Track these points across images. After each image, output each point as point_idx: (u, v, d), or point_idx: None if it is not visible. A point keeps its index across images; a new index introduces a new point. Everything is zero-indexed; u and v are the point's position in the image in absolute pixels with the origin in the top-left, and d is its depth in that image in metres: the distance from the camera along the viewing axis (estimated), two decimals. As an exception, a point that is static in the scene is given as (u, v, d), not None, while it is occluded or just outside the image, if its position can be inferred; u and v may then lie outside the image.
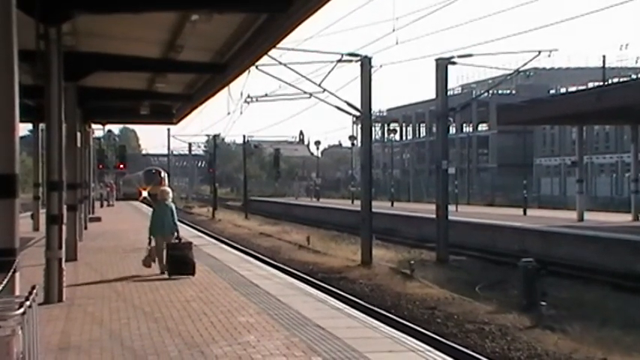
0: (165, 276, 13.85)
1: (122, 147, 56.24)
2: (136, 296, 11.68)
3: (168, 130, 75.89)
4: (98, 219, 31.69)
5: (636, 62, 69.81)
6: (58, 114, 11.28)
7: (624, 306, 15.78)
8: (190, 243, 14.58)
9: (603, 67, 53.86)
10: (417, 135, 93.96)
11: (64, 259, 11.38)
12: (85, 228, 24.84)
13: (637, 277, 19.70)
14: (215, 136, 63.70)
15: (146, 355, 7.68)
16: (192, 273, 13.87)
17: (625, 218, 31.73)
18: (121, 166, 51.88)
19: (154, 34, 14.31)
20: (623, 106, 26.92)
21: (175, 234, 14.31)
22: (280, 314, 9.88)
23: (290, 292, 12.07)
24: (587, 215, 31.76)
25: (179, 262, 13.89)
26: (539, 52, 25.45)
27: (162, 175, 61.25)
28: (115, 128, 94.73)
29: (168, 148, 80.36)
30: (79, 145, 19.79)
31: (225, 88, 21.77)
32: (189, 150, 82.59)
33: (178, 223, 14.86)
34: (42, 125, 26.57)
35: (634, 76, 47.28)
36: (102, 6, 11.66)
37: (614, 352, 11.50)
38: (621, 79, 47.89)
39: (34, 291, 5.67)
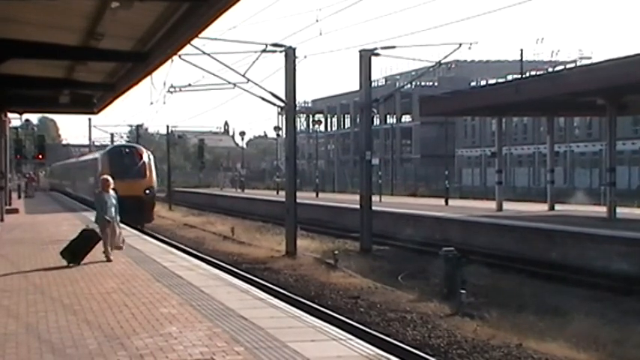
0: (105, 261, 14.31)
1: (41, 137, 54.68)
2: (54, 288, 11.42)
3: (90, 119, 74.23)
4: (15, 210, 30.80)
5: (551, 56, 72.01)
6: (-29, 102, 10.88)
7: (539, 292, 16.32)
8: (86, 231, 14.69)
9: (521, 60, 55.33)
10: (342, 126, 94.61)
11: (-23, 252, 11.03)
12: (2, 220, 24.12)
13: (551, 264, 20.39)
14: (138, 126, 62.73)
15: (64, 348, 7.53)
16: (77, 262, 14.11)
17: (541, 208, 32.73)
18: (40, 156, 50.49)
19: (72, 22, 13.94)
20: (539, 98, 27.71)
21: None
22: (203, 305, 9.83)
23: (213, 283, 12.01)
24: (506, 205, 32.63)
25: (74, 250, 14.19)
26: (460, 44, 25.98)
27: (146, 157, 33.93)
28: (34, 118, 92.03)
29: (90, 139, 78.57)
30: (-6, 134, 19.15)
31: (148, 78, 21.40)
32: (112, 140, 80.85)
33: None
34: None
35: (550, 69, 48.76)
36: (16, -9, 11.30)
37: (529, 338, 11.88)
38: (538, 72, 49.31)
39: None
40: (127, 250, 16.43)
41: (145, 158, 33.86)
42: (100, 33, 14.18)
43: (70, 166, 54.53)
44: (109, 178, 15.41)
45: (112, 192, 15.03)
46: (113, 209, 14.82)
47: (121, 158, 33.55)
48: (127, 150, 34.93)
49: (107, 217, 14.66)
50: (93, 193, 30.20)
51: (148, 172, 33.24)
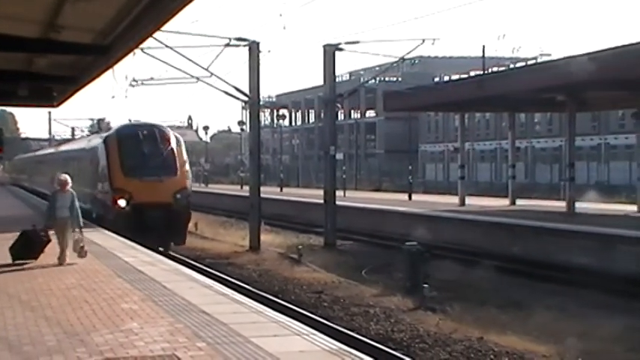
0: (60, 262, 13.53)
1: (-1, 130, 53.70)
2: (11, 285, 11.21)
3: (49, 113, 73.32)
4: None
5: (512, 52, 72.68)
6: None
7: (501, 286, 16.51)
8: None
9: (483, 56, 55.72)
10: (306, 121, 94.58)
11: None
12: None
13: (513, 258, 20.60)
14: (100, 120, 61.97)
15: (21, 346, 7.38)
16: (35, 257, 13.65)
17: (503, 202, 33.08)
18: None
19: (32, 13, 13.68)
20: (501, 94, 28.00)
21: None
22: (165, 301, 9.73)
23: (176, 278, 11.92)
24: (469, 200, 32.92)
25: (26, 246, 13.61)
26: (423, 40, 26.10)
27: (175, 142, 22.94)
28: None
29: (50, 132, 77.64)
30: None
31: (110, 71, 21.13)
32: (72, 134, 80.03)
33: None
34: None
35: (511, 66, 49.26)
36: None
37: (491, 331, 12.00)
38: (499, 69, 49.80)
39: None
40: (88, 246, 16.18)
41: (174, 144, 22.66)
42: (61, 25, 13.95)
43: (48, 157, 41.12)
44: (67, 177, 14.07)
45: (69, 191, 13.81)
46: (66, 210, 13.61)
47: (138, 144, 22.38)
48: (146, 131, 22.92)
49: (48, 221, 13.80)
50: (91, 198, 22.86)
51: (178, 166, 22.37)
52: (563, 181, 34.92)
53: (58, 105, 28.47)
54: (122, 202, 21.08)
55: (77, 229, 13.76)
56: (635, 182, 30.86)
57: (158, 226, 20.61)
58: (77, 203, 13.82)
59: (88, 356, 6.94)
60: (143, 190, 21.09)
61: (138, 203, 19.76)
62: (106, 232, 19.58)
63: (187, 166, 23.09)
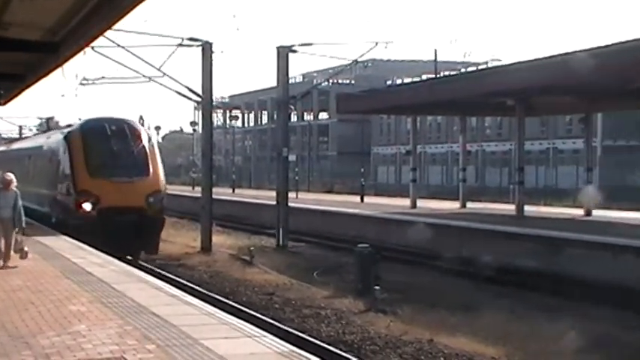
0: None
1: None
2: (-45, 287, 10.95)
3: (-4, 111, 71.69)
4: None
5: (464, 57, 73.62)
6: None
7: (451, 288, 16.68)
8: None
9: (435, 60, 56.30)
10: (259, 122, 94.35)
11: None
12: None
13: (462, 260, 20.83)
14: (48, 119, 60.82)
15: (-36, 349, 7.22)
16: None
17: (454, 205, 33.45)
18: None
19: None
20: (452, 98, 28.31)
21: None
22: (114, 302, 9.61)
23: (125, 279, 11.78)
24: (420, 202, 33.20)
25: None
26: (377, 43, 26.31)
27: (146, 139, 21.04)
28: None
29: (-4, 131, 75.98)
30: None
31: (59, 69, 20.74)
32: (20, 133, 78.42)
33: None
34: None
35: (463, 70, 49.92)
36: None
37: (441, 333, 12.11)
38: (451, 73, 50.36)
39: None
40: (35, 246, 15.89)
41: (145, 140, 20.72)
42: (8, 22, 13.65)
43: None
44: (12, 176, 13.51)
45: (13, 190, 13.29)
46: (9, 210, 13.06)
47: (105, 141, 20.28)
48: (114, 127, 20.71)
49: None
50: (50, 200, 21.46)
51: (151, 165, 20.28)
52: (513, 185, 35.46)
53: (4, 103, 27.77)
54: (87, 206, 19.09)
55: (19, 230, 13.35)
56: (582, 186, 31.50)
57: (128, 233, 18.72)
58: (20, 203, 13.39)
59: (33, 359, 6.80)
60: (111, 192, 19.16)
61: (105, 207, 18.12)
62: (56, 233, 19.11)
63: (161, 166, 20.82)
